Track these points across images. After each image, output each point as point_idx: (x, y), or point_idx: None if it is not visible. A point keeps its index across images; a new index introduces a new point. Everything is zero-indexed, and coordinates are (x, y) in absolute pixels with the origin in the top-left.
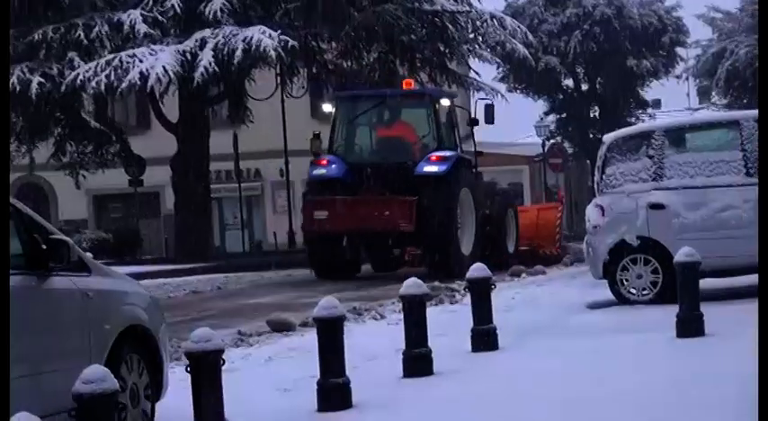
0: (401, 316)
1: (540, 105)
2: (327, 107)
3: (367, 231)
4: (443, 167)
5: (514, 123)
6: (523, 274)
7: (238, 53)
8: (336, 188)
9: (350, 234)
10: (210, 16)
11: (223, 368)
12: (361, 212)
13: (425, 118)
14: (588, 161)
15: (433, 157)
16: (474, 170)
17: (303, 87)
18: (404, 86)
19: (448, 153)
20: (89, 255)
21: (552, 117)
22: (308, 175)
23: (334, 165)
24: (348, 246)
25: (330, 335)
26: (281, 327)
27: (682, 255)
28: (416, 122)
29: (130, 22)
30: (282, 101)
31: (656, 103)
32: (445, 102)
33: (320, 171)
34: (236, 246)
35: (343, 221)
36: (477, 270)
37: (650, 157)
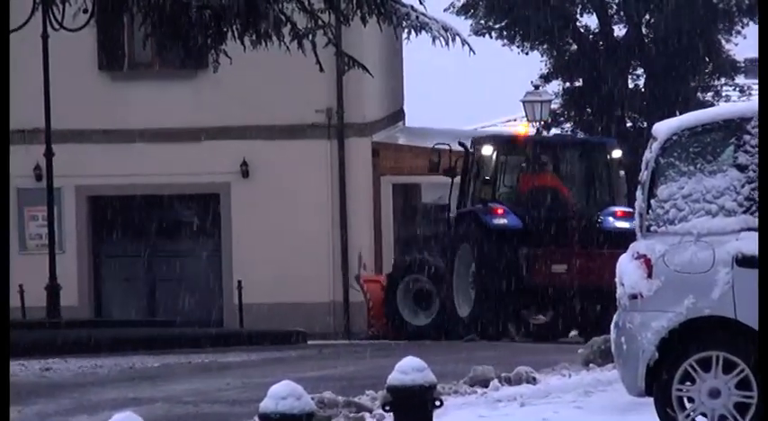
0: None
1: (535, 62)
2: (488, 150)
3: (605, 287)
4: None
5: (486, 94)
6: (495, 381)
7: None
8: (515, 239)
9: (584, 289)
10: None
11: None
12: (599, 267)
13: (598, 169)
14: (623, 172)
15: (619, 213)
16: None
17: (85, 10)
18: (522, 133)
19: (630, 208)
20: None
21: (557, 85)
22: (485, 225)
23: (510, 216)
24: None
25: None
26: None
27: None
28: (587, 173)
29: None
30: (45, 37)
31: (754, 66)
32: (617, 153)
33: (501, 221)
34: None
35: (581, 276)
36: (408, 370)
37: (742, 169)
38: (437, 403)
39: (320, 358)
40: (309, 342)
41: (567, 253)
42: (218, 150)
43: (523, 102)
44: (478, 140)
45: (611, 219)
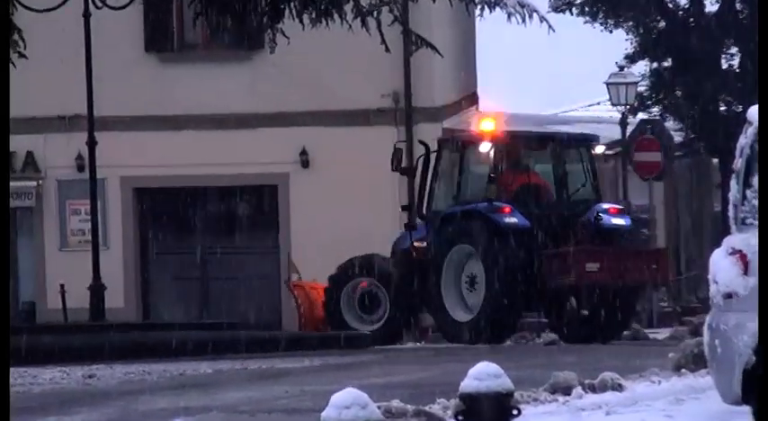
0: None
1: (620, 41)
2: (486, 146)
3: (638, 284)
4: (629, 220)
5: (566, 76)
6: (578, 388)
7: None
8: (523, 238)
9: (616, 287)
10: None
11: None
12: (631, 265)
13: (583, 166)
14: (716, 160)
15: (612, 210)
16: None
17: None
18: (484, 127)
19: (620, 205)
20: None
21: (643, 65)
22: (496, 224)
23: (518, 214)
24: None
25: None
26: None
27: None
28: (575, 170)
29: None
30: (87, 15)
31: None
32: (600, 149)
33: (512, 219)
34: None
35: (614, 273)
36: (483, 377)
37: None
38: (515, 412)
39: (386, 363)
40: (375, 346)
41: (599, 251)
42: (276, 138)
43: (607, 84)
44: (460, 138)
45: (608, 216)
